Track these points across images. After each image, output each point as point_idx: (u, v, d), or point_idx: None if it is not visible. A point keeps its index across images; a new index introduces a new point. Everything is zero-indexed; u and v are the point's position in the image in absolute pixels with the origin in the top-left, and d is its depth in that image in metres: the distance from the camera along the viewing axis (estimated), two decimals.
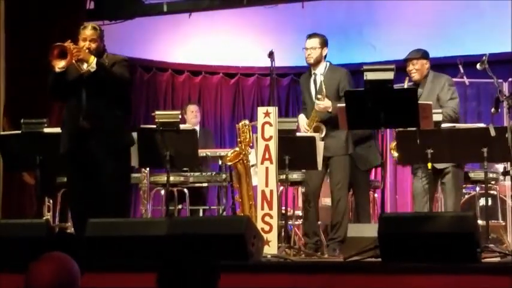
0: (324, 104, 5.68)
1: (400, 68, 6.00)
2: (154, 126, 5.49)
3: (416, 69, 5.84)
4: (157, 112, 5.64)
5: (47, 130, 5.45)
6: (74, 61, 4.85)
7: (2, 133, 6.11)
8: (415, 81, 5.85)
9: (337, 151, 5.73)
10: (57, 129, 5.26)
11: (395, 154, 5.74)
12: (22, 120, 5.49)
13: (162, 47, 8.97)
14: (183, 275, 2.46)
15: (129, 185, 5.46)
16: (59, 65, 4.81)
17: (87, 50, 4.91)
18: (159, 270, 2.51)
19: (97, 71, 4.87)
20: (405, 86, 5.68)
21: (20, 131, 5.48)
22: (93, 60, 4.87)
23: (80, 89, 4.97)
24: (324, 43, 5.87)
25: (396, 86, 5.12)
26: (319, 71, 5.86)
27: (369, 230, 5.27)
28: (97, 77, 4.89)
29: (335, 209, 5.75)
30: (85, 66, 4.89)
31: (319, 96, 5.71)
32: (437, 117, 5.19)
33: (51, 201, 6.79)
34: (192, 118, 7.35)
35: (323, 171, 5.70)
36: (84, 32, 5.02)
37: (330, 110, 5.65)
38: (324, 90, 5.67)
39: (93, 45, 4.98)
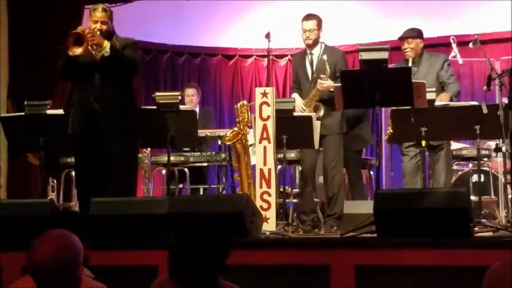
0: (327, 83, 5.66)
1: (397, 48, 6.01)
2: (155, 107, 5.48)
3: (411, 47, 5.85)
4: (157, 93, 5.63)
5: (50, 112, 5.44)
6: (89, 47, 4.80)
7: (6, 115, 6.10)
8: (410, 60, 5.84)
9: (333, 130, 5.75)
10: (60, 111, 5.25)
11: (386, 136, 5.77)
12: (25, 102, 5.48)
13: (162, 30, 8.92)
14: (194, 253, 2.47)
15: (137, 166, 5.45)
16: (77, 52, 4.76)
17: (99, 33, 4.86)
18: (171, 249, 2.52)
19: (111, 56, 4.83)
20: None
21: (23, 113, 5.47)
22: (107, 44, 4.83)
23: (92, 71, 4.91)
24: (321, 24, 5.88)
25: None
26: (316, 52, 5.86)
27: (365, 206, 5.29)
28: (111, 61, 4.84)
29: (329, 186, 5.77)
30: (98, 50, 4.84)
31: (322, 76, 5.70)
32: (430, 96, 5.19)
33: (55, 181, 6.80)
34: (188, 102, 7.27)
35: (317, 149, 5.72)
36: (94, 14, 4.96)
37: (332, 90, 5.63)
38: (328, 69, 5.66)
39: (104, 27, 4.93)
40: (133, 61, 4.99)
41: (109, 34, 4.95)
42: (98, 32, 4.87)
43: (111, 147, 4.91)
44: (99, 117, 4.90)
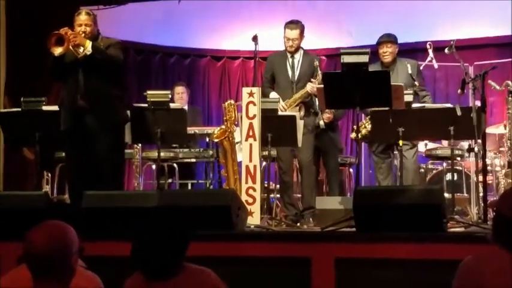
0: (318, 86, 5.66)
1: (375, 52, 6.02)
2: (146, 105, 5.47)
3: (390, 51, 5.87)
4: (148, 92, 5.61)
5: (45, 108, 5.43)
6: (71, 47, 4.88)
7: (3, 110, 6.06)
8: (387, 63, 5.87)
9: (308, 129, 5.78)
10: (55, 107, 5.25)
11: (353, 135, 5.81)
12: (22, 99, 5.46)
13: (154, 32, 8.90)
14: (155, 243, 2.49)
15: (124, 158, 5.49)
16: (57, 51, 4.86)
17: (82, 35, 4.95)
18: (134, 241, 2.53)
19: (93, 54, 4.91)
20: None
21: (20, 109, 5.45)
22: (88, 44, 4.92)
23: (76, 70, 5.00)
24: (303, 31, 5.88)
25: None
26: (297, 56, 5.87)
27: (342, 202, 5.30)
28: (93, 59, 4.92)
29: (305, 182, 5.78)
30: (81, 50, 4.93)
31: (313, 79, 5.71)
32: (408, 98, 5.20)
33: (49, 174, 6.76)
34: (178, 99, 7.23)
35: (291, 148, 5.76)
36: (79, 18, 5.07)
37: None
38: (320, 74, 5.66)
39: (88, 29, 5.03)
40: (116, 59, 5.06)
41: (93, 36, 5.04)
42: (83, 34, 4.95)
43: (98, 140, 4.96)
44: (85, 113, 4.97)
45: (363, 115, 5.98)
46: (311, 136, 5.83)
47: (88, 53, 4.91)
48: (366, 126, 5.73)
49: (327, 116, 6.22)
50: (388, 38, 5.91)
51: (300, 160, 5.90)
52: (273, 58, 6.05)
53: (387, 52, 5.86)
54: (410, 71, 5.62)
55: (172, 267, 2.52)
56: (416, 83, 5.63)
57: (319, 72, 5.69)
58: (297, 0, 8.19)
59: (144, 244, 2.52)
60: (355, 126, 5.84)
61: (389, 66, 5.85)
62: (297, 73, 5.85)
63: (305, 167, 5.81)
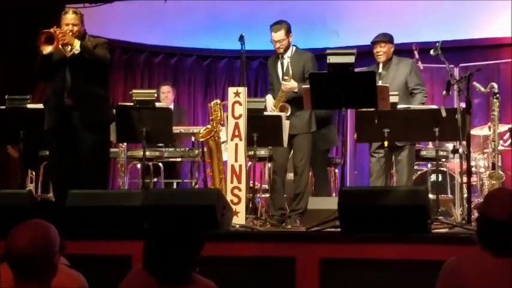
0: (291, 84, 5.68)
1: (362, 53, 6.03)
2: (132, 104, 5.45)
3: (384, 51, 5.85)
4: (134, 91, 5.59)
5: (30, 106, 5.40)
6: (59, 45, 4.88)
7: None
8: (382, 63, 5.84)
9: (301, 129, 5.75)
10: (40, 106, 5.23)
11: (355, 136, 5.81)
12: (6, 97, 5.43)
13: (140, 30, 8.88)
14: (168, 244, 2.46)
15: (109, 157, 5.49)
16: (47, 50, 4.86)
17: (70, 34, 4.95)
18: (145, 240, 2.51)
19: (81, 53, 4.92)
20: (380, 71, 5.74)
21: (4, 107, 5.41)
22: (77, 43, 4.93)
23: (63, 69, 5.00)
24: (289, 31, 5.83)
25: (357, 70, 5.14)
26: (287, 55, 5.86)
27: (328, 203, 5.31)
28: (80, 58, 4.93)
29: (298, 182, 5.77)
30: (69, 48, 4.94)
31: (285, 77, 5.70)
32: (394, 99, 5.22)
33: (33, 173, 6.73)
34: (163, 98, 7.21)
35: (288, 148, 5.72)
36: (66, 17, 5.07)
37: (296, 91, 5.65)
38: (291, 71, 5.67)
39: (75, 28, 5.04)
40: (103, 58, 5.07)
41: (80, 35, 5.05)
42: (70, 33, 4.95)
43: (83, 141, 4.96)
44: (72, 112, 4.98)
45: (349, 115, 6.00)
46: (305, 136, 5.75)
47: (76, 52, 4.92)
48: None
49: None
50: (383, 38, 5.88)
51: (293, 162, 5.88)
52: (269, 61, 6.08)
53: (380, 52, 5.85)
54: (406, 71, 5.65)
55: (184, 276, 2.49)
56: (410, 84, 5.67)
57: (290, 69, 5.67)
58: (283, 0, 8.19)
59: (159, 248, 2.48)
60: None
61: (384, 66, 5.83)
62: (284, 73, 5.83)
63: (298, 168, 5.76)
